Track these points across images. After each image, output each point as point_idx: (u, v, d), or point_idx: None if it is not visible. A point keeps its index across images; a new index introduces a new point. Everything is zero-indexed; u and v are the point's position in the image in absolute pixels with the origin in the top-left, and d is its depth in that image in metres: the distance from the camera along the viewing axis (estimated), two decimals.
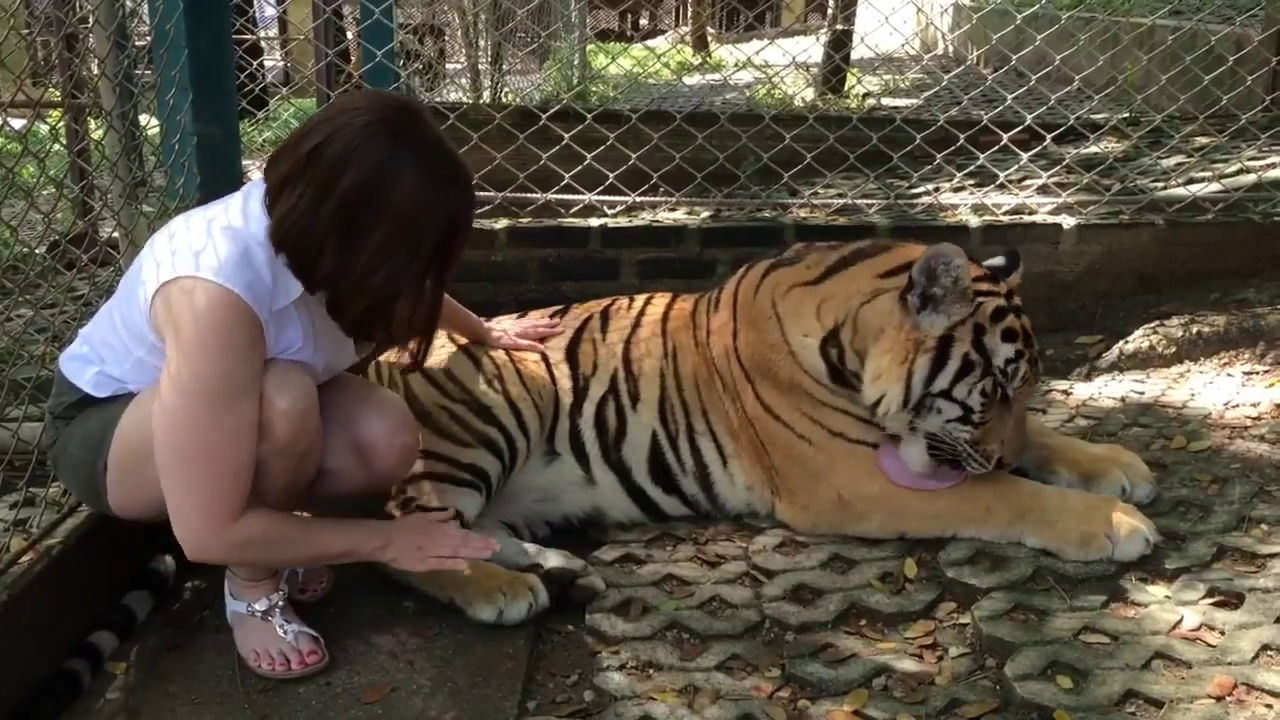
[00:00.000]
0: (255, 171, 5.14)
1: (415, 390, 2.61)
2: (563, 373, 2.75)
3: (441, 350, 2.69)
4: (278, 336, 2.01)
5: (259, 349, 1.97)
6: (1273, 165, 4.18)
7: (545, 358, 2.77)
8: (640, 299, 2.92)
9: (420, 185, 1.91)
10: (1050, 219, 3.66)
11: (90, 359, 2.14)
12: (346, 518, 2.28)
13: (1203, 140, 4.50)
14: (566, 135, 3.87)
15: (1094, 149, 4.75)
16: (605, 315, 2.87)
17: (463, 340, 2.74)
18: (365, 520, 2.28)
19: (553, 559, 2.45)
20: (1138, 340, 3.37)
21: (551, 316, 2.91)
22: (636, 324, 2.83)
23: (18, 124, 2.77)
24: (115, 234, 3.02)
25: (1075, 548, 2.26)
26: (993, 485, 2.41)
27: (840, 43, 8.66)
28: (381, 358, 2.76)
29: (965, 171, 4.18)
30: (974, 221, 3.64)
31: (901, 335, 2.39)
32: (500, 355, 2.71)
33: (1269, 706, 1.79)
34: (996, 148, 4.00)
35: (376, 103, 1.96)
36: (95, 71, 3.37)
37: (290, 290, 2.00)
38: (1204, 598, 2.10)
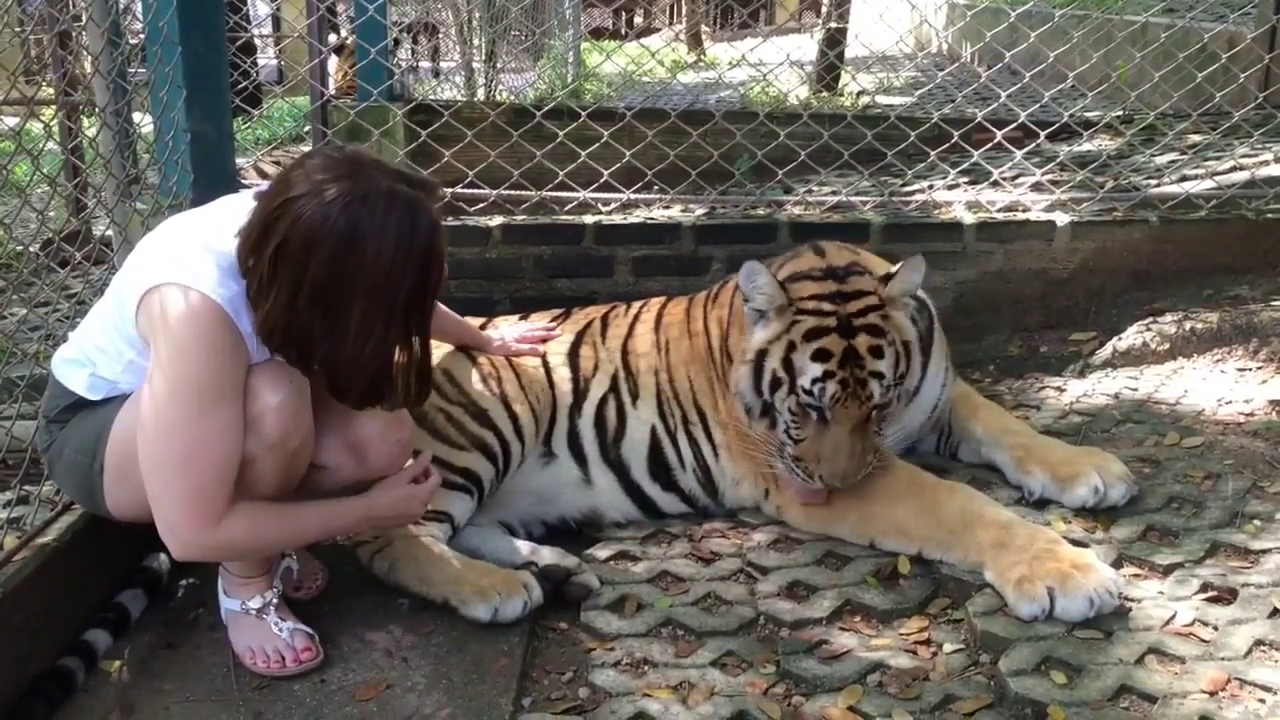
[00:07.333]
0: (248, 169, 5.17)
1: None
2: (562, 375, 2.77)
3: (440, 353, 2.69)
4: (259, 349, 2.01)
5: (241, 353, 1.97)
6: (1265, 162, 4.18)
7: (545, 361, 2.78)
8: (638, 303, 2.94)
9: (384, 246, 1.88)
10: (1044, 216, 3.66)
11: (82, 362, 2.13)
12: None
13: (1196, 137, 4.50)
14: (561, 133, 3.86)
15: (1087, 146, 4.75)
16: (605, 319, 2.90)
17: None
18: (339, 498, 2.24)
19: (547, 556, 2.45)
20: (1131, 337, 3.38)
21: (553, 320, 2.92)
22: (634, 323, 2.86)
23: (11, 121, 2.77)
24: (109, 231, 3.01)
25: (1014, 595, 2.10)
26: (964, 510, 2.31)
27: (834, 40, 8.68)
28: None
29: (959, 169, 4.18)
30: (968, 219, 3.64)
31: (741, 345, 2.51)
32: (498, 359, 2.73)
33: (1262, 701, 1.80)
34: (990, 145, 4.00)
35: (321, 176, 1.90)
36: (89, 69, 3.37)
37: None
38: (1197, 593, 2.11)
